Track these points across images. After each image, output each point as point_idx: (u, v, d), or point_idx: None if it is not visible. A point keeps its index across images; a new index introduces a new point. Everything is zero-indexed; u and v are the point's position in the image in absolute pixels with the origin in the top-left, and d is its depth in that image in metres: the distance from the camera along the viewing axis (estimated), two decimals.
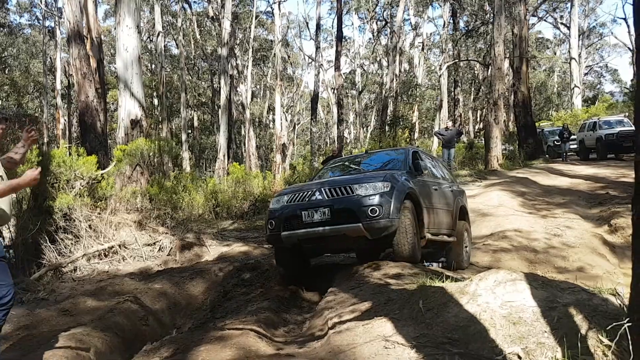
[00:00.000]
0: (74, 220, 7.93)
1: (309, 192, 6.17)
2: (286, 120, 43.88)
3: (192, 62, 42.34)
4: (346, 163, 8.36)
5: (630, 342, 2.43)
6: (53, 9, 34.35)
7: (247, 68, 30.94)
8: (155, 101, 35.53)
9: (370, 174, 6.54)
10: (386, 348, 3.42)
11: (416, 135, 30.68)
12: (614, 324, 2.73)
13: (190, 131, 40.64)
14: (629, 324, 2.55)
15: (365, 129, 44.70)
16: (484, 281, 3.65)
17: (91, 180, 8.19)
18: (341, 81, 31.13)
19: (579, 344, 2.80)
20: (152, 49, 37.72)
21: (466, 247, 8.12)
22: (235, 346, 4.11)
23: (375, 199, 5.72)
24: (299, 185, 6.98)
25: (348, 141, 40.62)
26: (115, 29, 13.68)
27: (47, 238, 7.47)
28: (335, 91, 32.32)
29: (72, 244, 7.87)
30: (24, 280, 6.71)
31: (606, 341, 2.91)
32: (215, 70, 35.91)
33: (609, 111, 29.83)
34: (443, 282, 4.24)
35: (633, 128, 20.47)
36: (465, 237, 8.12)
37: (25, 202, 7.70)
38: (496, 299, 3.44)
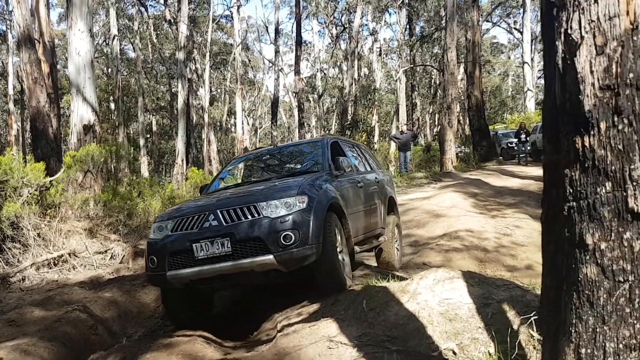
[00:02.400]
0: (22, 229, 7.71)
1: (201, 216, 4.72)
2: (248, 124, 43.67)
3: (150, 65, 41.71)
4: (250, 164, 6.92)
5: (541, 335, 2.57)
6: (4, 12, 33.30)
7: (205, 72, 30.67)
8: (112, 105, 34.85)
9: (280, 184, 5.14)
10: (330, 348, 3.50)
11: (376, 138, 31.05)
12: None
13: (149, 136, 40.02)
14: (535, 317, 2.70)
15: (327, 132, 44.91)
16: (424, 280, 3.78)
17: (39, 187, 7.99)
18: (301, 85, 31.27)
19: (508, 339, 2.93)
20: (108, 52, 36.98)
21: (397, 245, 7.38)
22: (182, 353, 4.11)
23: (289, 221, 4.46)
24: (191, 204, 5.37)
25: None
26: (67, 32, 13.40)
27: None
28: (296, 95, 32.42)
29: (20, 253, 7.66)
30: None
31: (537, 335, 3.05)
32: (173, 74, 35.47)
33: None
34: (388, 281, 4.35)
35: None
36: (396, 233, 7.30)
37: None
38: (435, 296, 3.56)
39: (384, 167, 17.95)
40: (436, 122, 42.85)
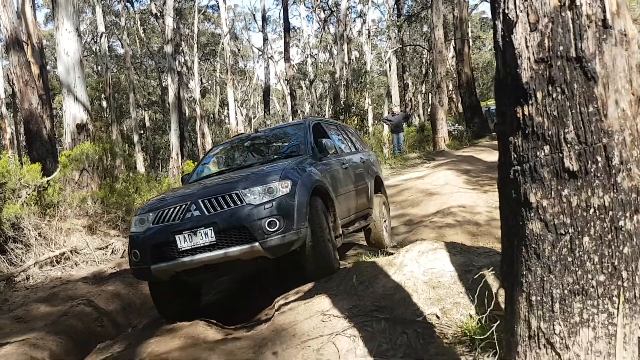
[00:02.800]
0: (23, 229, 7.88)
1: (183, 207, 4.61)
2: (241, 115, 43.67)
3: (139, 61, 41.60)
4: (231, 151, 6.76)
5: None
6: None
7: (194, 64, 30.65)
8: (104, 103, 34.84)
9: (263, 169, 5.04)
10: (323, 321, 3.70)
11: (370, 121, 31.14)
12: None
13: (142, 132, 40.01)
14: (493, 272, 2.92)
15: (320, 116, 44.90)
16: (409, 252, 3.96)
17: (37, 187, 8.15)
18: (292, 72, 31.25)
19: (485, 301, 3.11)
20: (97, 50, 36.87)
21: (386, 223, 7.36)
22: (184, 336, 4.30)
23: (273, 207, 4.38)
24: (171, 194, 5.25)
25: None
26: (55, 33, 13.45)
27: None
28: (288, 83, 32.43)
29: (22, 253, 7.83)
30: None
31: None
32: (163, 68, 35.45)
33: None
34: (378, 257, 4.54)
35: None
36: (384, 212, 7.24)
37: None
38: (419, 267, 3.75)
39: (377, 149, 18.15)
40: (429, 102, 42.97)
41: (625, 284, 1.65)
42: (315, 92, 45.60)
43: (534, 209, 1.70)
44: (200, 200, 4.58)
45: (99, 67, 38.03)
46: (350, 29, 34.07)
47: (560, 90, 1.63)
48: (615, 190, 1.61)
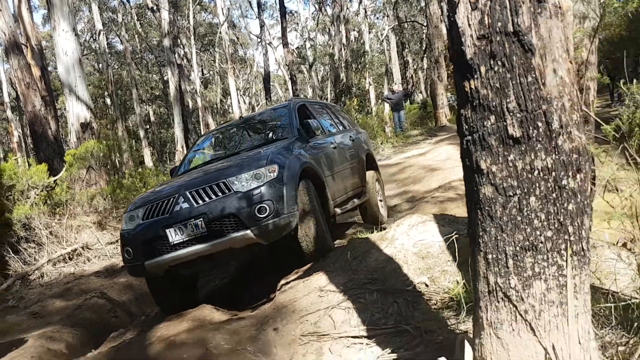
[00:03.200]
0: (34, 229, 8.12)
1: (171, 200, 4.61)
2: (244, 103, 43.74)
3: (139, 56, 41.71)
4: (217, 140, 6.74)
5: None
6: None
7: (192, 55, 30.72)
8: (108, 101, 35.05)
9: (249, 156, 5.03)
10: (320, 297, 3.88)
11: (373, 101, 31.11)
12: None
13: (148, 126, 40.26)
14: (456, 235, 3.27)
15: (324, 100, 44.88)
16: (400, 226, 4.12)
17: (44, 187, 8.37)
18: (291, 57, 31.24)
19: (469, 267, 3.25)
20: (97, 47, 37.00)
21: (381, 200, 7.37)
22: (192, 319, 4.49)
23: (262, 193, 4.35)
24: (159, 189, 5.23)
25: None
26: (52, 34, 13.59)
27: (9, 250, 7.68)
28: (287, 68, 32.42)
29: (35, 252, 8.08)
30: None
31: None
32: (163, 62, 35.54)
33: None
34: (372, 233, 4.69)
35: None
36: (377, 188, 7.25)
37: None
38: (410, 239, 3.91)
39: (379, 129, 18.22)
40: (430, 78, 42.73)
41: (572, 238, 1.79)
42: (317, 76, 45.48)
43: (485, 175, 1.85)
44: (188, 192, 4.56)
45: (100, 65, 38.19)
46: (347, 9, 33.86)
47: (501, 63, 1.76)
48: (556, 153, 1.75)
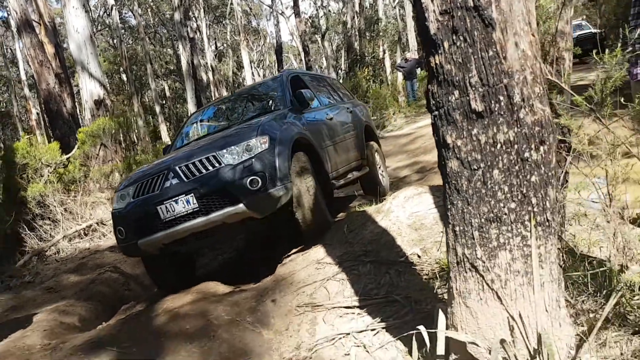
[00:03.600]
0: (49, 206, 8.34)
1: (161, 176, 4.50)
2: (258, 75, 43.57)
3: (153, 30, 41.63)
4: (210, 116, 6.62)
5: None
6: None
7: (202, 28, 30.57)
8: (124, 76, 35.19)
9: (240, 128, 4.82)
10: (317, 269, 3.97)
11: (388, 70, 30.73)
12: None
13: (164, 102, 40.43)
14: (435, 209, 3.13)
15: (337, 72, 44.52)
16: (396, 199, 4.16)
17: (57, 165, 8.55)
18: (303, 27, 30.88)
19: None
20: (110, 23, 37.01)
21: (381, 171, 7.24)
22: (197, 291, 4.62)
23: (253, 165, 4.21)
24: (149, 166, 5.06)
25: None
26: (63, 11, 13.63)
27: (25, 227, 7.90)
28: (300, 38, 32.10)
29: (51, 228, 8.31)
30: (10, 269, 7.20)
31: None
32: (175, 36, 35.47)
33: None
34: (370, 206, 4.74)
35: (592, 30, 20.44)
36: (377, 159, 7.07)
37: None
38: (405, 212, 3.95)
39: (391, 98, 18.05)
40: None
41: (535, 209, 1.82)
42: (332, 45, 44.94)
43: (451, 149, 1.87)
44: (177, 167, 4.45)
45: (115, 41, 38.25)
46: None
47: (463, 38, 1.77)
48: (518, 126, 1.76)
